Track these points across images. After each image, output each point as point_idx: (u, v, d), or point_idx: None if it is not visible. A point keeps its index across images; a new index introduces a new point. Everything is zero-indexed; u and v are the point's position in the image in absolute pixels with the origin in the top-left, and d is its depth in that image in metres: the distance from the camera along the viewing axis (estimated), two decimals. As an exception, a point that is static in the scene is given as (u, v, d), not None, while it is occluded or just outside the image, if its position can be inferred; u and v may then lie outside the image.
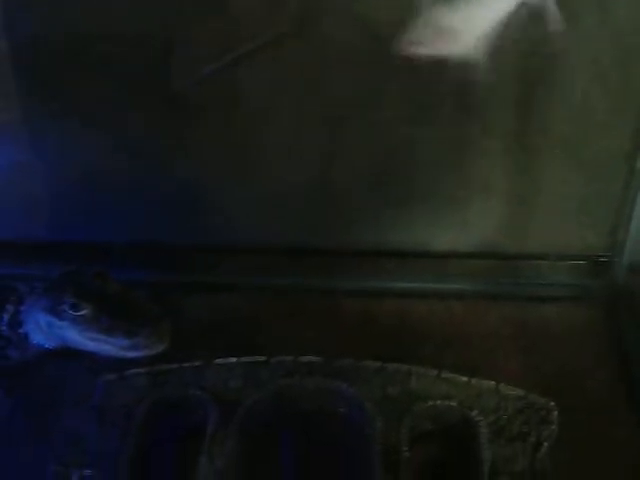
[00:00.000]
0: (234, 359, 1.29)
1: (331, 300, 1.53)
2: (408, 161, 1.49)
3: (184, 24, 1.38)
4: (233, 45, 1.39)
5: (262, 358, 1.29)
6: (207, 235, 1.59)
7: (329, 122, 1.46)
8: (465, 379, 1.25)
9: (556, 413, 1.21)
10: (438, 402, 1.23)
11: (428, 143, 1.45)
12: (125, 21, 1.37)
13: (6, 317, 1.39)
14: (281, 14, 1.36)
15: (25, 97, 1.48)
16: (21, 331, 1.38)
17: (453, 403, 1.23)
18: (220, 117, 1.47)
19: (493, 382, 1.24)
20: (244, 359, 1.29)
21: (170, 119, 1.48)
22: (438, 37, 1.34)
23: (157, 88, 1.45)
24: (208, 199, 1.55)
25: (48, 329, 1.35)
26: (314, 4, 1.34)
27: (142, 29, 1.38)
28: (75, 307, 1.31)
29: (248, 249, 1.59)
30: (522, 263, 1.57)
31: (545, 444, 1.18)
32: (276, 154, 1.50)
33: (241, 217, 1.56)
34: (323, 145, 1.49)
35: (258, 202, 1.55)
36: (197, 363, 1.29)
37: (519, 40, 1.33)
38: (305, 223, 1.57)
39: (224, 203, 1.56)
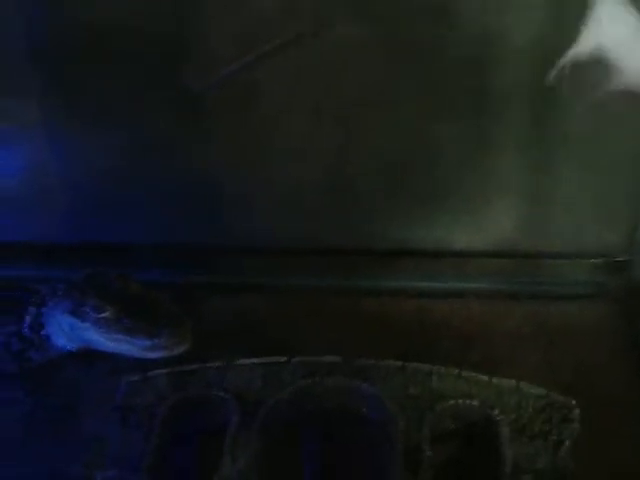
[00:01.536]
0: (255, 360, 1.29)
1: (351, 300, 1.53)
2: (426, 160, 1.49)
3: (202, 23, 1.38)
4: (251, 45, 1.39)
5: (283, 358, 1.29)
6: (227, 236, 1.60)
7: (346, 121, 1.46)
8: (486, 378, 1.25)
9: (577, 411, 1.20)
10: (459, 401, 1.23)
11: (446, 142, 1.45)
12: (143, 20, 1.38)
13: (28, 319, 1.40)
14: (298, 15, 1.36)
15: (43, 97, 1.49)
16: (43, 333, 1.39)
17: (474, 402, 1.23)
18: (238, 117, 1.47)
19: (514, 381, 1.24)
20: (265, 359, 1.29)
21: (189, 119, 1.48)
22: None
23: (175, 88, 1.45)
24: (227, 199, 1.56)
25: (70, 331, 1.36)
26: (330, 4, 1.35)
27: (160, 28, 1.38)
28: (97, 309, 1.32)
29: (268, 249, 1.60)
30: (541, 262, 1.57)
31: (567, 442, 1.17)
32: (294, 154, 1.50)
33: (260, 217, 1.57)
34: (341, 144, 1.49)
35: (277, 202, 1.55)
36: (219, 364, 1.29)
37: (537, 41, 1.33)
38: (324, 223, 1.57)
39: (244, 203, 1.56)
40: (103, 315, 1.31)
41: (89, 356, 1.38)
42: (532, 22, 1.32)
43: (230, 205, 1.57)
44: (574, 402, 1.21)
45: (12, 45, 1.41)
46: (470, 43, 1.35)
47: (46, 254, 1.61)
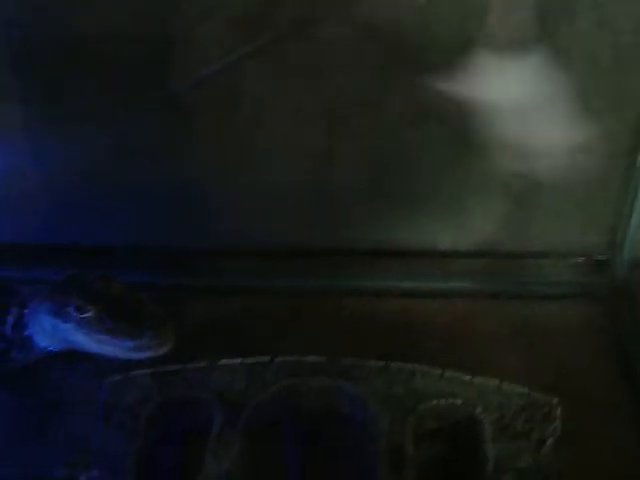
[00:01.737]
0: (238, 360, 1.29)
1: (334, 300, 1.53)
2: (409, 161, 1.49)
3: (184, 24, 1.38)
4: (232, 46, 1.40)
5: (266, 359, 1.29)
6: (209, 237, 1.60)
7: (329, 122, 1.47)
8: (468, 377, 1.25)
9: (559, 410, 1.21)
10: (442, 401, 1.24)
11: (429, 143, 1.46)
12: (124, 22, 1.38)
13: (10, 320, 1.39)
14: (280, 15, 1.36)
15: (24, 99, 1.48)
16: (25, 334, 1.38)
17: (457, 401, 1.23)
18: (220, 118, 1.47)
19: (496, 380, 1.25)
20: (248, 360, 1.29)
21: (170, 120, 1.49)
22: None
23: (157, 89, 1.45)
24: (209, 201, 1.56)
25: (53, 331, 1.35)
26: (313, 5, 1.35)
27: (141, 30, 1.39)
28: (80, 309, 1.31)
29: (250, 251, 1.60)
30: (523, 262, 1.58)
31: (549, 440, 1.18)
32: (277, 155, 1.51)
33: (243, 219, 1.57)
34: (324, 145, 1.49)
35: (259, 203, 1.55)
36: (202, 364, 1.29)
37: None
38: (307, 223, 1.58)
39: (225, 205, 1.57)
40: (85, 316, 1.30)
41: (72, 357, 1.38)
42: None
43: (213, 207, 1.57)
44: (555, 400, 1.22)
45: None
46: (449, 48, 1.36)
47: (28, 255, 1.61)
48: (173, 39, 1.40)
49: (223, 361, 1.29)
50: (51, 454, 1.23)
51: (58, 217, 1.61)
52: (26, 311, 1.38)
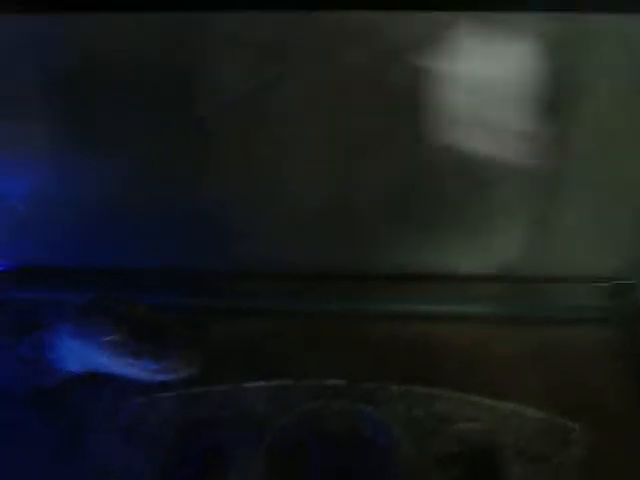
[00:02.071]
0: (261, 383, 1.30)
1: (356, 323, 1.53)
2: (431, 186, 1.50)
3: (209, 52, 1.40)
4: (257, 72, 1.41)
5: (289, 382, 1.30)
6: (233, 260, 1.61)
7: (353, 146, 1.47)
8: (488, 401, 1.26)
9: (578, 434, 1.22)
10: (462, 424, 1.24)
11: (450, 168, 1.47)
12: (149, 49, 1.40)
13: (35, 342, 1.40)
14: (304, 44, 1.38)
15: (50, 125, 1.50)
16: (50, 356, 1.39)
17: (477, 425, 1.24)
18: (244, 143, 1.48)
19: (515, 404, 1.25)
20: (271, 383, 1.31)
21: (195, 145, 1.50)
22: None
23: (182, 114, 1.46)
24: (233, 224, 1.57)
25: (77, 353, 1.36)
26: (337, 33, 1.36)
27: (166, 55, 1.40)
28: (104, 332, 1.32)
29: (274, 274, 1.60)
30: (544, 286, 1.58)
31: (568, 464, 1.18)
32: (300, 178, 1.51)
33: (267, 242, 1.57)
34: (347, 168, 1.50)
35: (283, 227, 1.56)
36: (225, 387, 1.30)
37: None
38: (329, 247, 1.58)
39: (249, 228, 1.57)
40: (109, 338, 1.31)
41: (96, 379, 1.38)
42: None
43: (236, 230, 1.58)
44: (574, 425, 1.22)
45: (23, 73, 1.43)
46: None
47: (54, 278, 1.63)
48: (199, 64, 1.41)
49: (246, 384, 1.30)
50: (75, 474, 1.24)
51: (82, 239, 1.62)
52: (50, 333, 1.39)
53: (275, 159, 1.50)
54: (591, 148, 1.44)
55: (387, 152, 1.47)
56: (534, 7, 1.28)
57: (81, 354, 1.36)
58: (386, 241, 1.57)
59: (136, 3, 1.34)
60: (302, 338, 1.51)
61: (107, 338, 1.32)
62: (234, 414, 1.27)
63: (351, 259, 1.60)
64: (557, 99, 1.37)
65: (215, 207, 1.55)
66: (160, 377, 1.30)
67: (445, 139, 1.43)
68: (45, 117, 1.49)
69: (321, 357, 1.44)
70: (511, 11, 1.30)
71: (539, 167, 1.45)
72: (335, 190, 1.52)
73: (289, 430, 1.27)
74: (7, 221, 1.60)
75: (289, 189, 1.53)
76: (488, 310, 1.57)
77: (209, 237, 1.59)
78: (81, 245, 1.62)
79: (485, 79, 1.37)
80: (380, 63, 1.37)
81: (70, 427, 1.35)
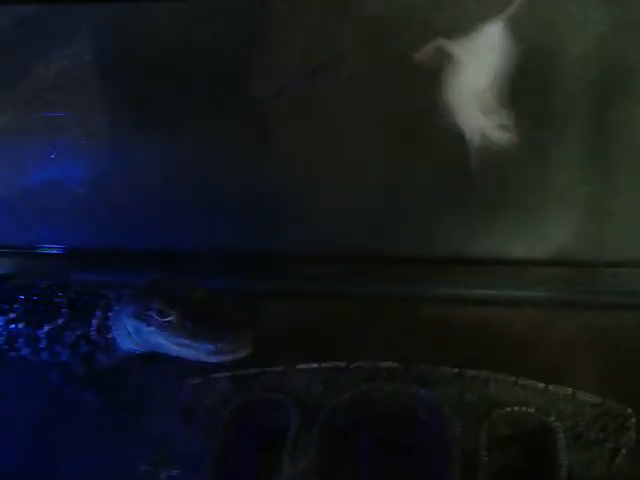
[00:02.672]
0: (315, 364, 1.31)
1: (410, 307, 1.54)
2: (488, 171, 1.49)
3: (263, 37, 1.41)
4: (311, 56, 1.42)
5: (342, 364, 1.31)
6: (289, 242, 1.62)
7: (409, 131, 1.48)
8: (542, 386, 1.25)
9: (634, 420, 1.21)
10: (516, 408, 1.24)
11: (508, 153, 1.46)
12: (206, 36, 1.41)
13: (95, 323, 1.43)
14: (356, 29, 1.38)
15: (111, 110, 1.53)
16: (109, 336, 1.42)
17: (530, 409, 1.24)
18: (300, 126, 1.50)
19: (570, 389, 1.24)
20: (325, 364, 1.31)
21: (251, 129, 1.52)
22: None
23: (238, 99, 1.48)
24: (289, 207, 1.58)
25: (135, 334, 1.39)
26: (392, 21, 1.36)
27: (221, 42, 1.42)
28: (162, 313, 1.33)
29: (329, 256, 1.62)
30: (599, 270, 1.57)
31: (623, 450, 1.18)
32: (356, 162, 1.52)
33: (322, 225, 1.59)
34: (403, 154, 1.51)
35: (338, 210, 1.57)
36: (279, 368, 1.32)
37: (595, 52, 1.34)
38: (385, 231, 1.59)
39: (305, 211, 1.59)
40: (167, 319, 1.33)
41: (154, 359, 1.41)
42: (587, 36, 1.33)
43: (293, 212, 1.59)
44: (630, 410, 1.21)
45: (85, 58, 1.45)
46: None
47: (113, 260, 1.66)
48: (254, 50, 1.43)
49: (300, 365, 1.32)
50: (134, 452, 1.26)
51: (141, 223, 1.65)
52: (110, 314, 1.42)
53: (331, 142, 1.51)
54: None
55: (442, 137, 1.47)
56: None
57: (139, 335, 1.38)
58: (443, 226, 1.58)
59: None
60: (357, 320, 1.52)
61: (165, 319, 1.33)
62: (288, 395, 1.28)
63: (407, 243, 1.60)
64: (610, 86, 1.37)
65: (272, 190, 1.57)
66: (216, 358, 1.31)
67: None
68: (106, 102, 1.51)
69: (376, 340, 1.45)
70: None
71: (594, 151, 1.44)
72: (391, 175, 1.53)
73: (343, 411, 1.28)
74: (67, 205, 1.63)
75: (345, 173, 1.54)
76: (545, 295, 1.57)
77: (266, 219, 1.60)
78: (138, 228, 1.66)
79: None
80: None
81: (129, 406, 1.38)
